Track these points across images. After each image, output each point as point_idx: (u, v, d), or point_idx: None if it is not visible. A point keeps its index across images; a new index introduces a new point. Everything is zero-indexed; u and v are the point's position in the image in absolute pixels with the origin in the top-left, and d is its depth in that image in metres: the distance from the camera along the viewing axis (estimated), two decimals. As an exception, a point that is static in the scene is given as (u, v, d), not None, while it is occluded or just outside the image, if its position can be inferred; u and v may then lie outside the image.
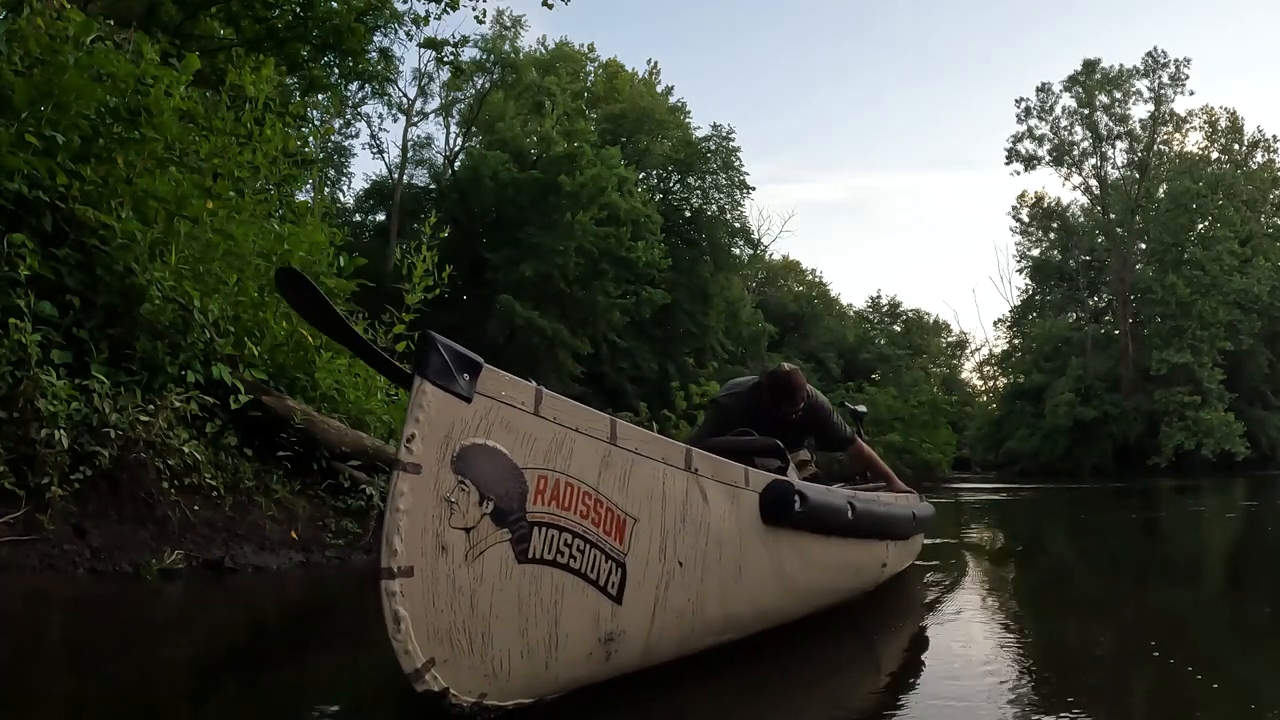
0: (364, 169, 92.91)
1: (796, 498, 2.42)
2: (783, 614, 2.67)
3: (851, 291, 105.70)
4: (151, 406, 3.93)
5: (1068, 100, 39.26)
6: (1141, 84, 38.22)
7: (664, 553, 1.99)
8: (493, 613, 1.60)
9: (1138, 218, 37.90)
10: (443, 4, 12.27)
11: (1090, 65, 38.60)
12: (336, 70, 13.99)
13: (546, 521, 1.71)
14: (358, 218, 32.73)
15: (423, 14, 14.65)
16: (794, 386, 3.62)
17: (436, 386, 1.54)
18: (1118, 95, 38.47)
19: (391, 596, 1.47)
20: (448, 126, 34.68)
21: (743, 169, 35.27)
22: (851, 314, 49.99)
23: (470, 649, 1.57)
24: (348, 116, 31.49)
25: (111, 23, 6.13)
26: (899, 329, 50.99)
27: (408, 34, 19.46)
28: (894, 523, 3.47)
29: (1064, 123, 39.34)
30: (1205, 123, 39.39)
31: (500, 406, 1.64)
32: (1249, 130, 39.46)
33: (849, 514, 2.81)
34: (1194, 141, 39.55)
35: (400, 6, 14.70)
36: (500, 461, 1.63)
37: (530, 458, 1.68)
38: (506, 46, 33.42)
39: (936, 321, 53.06)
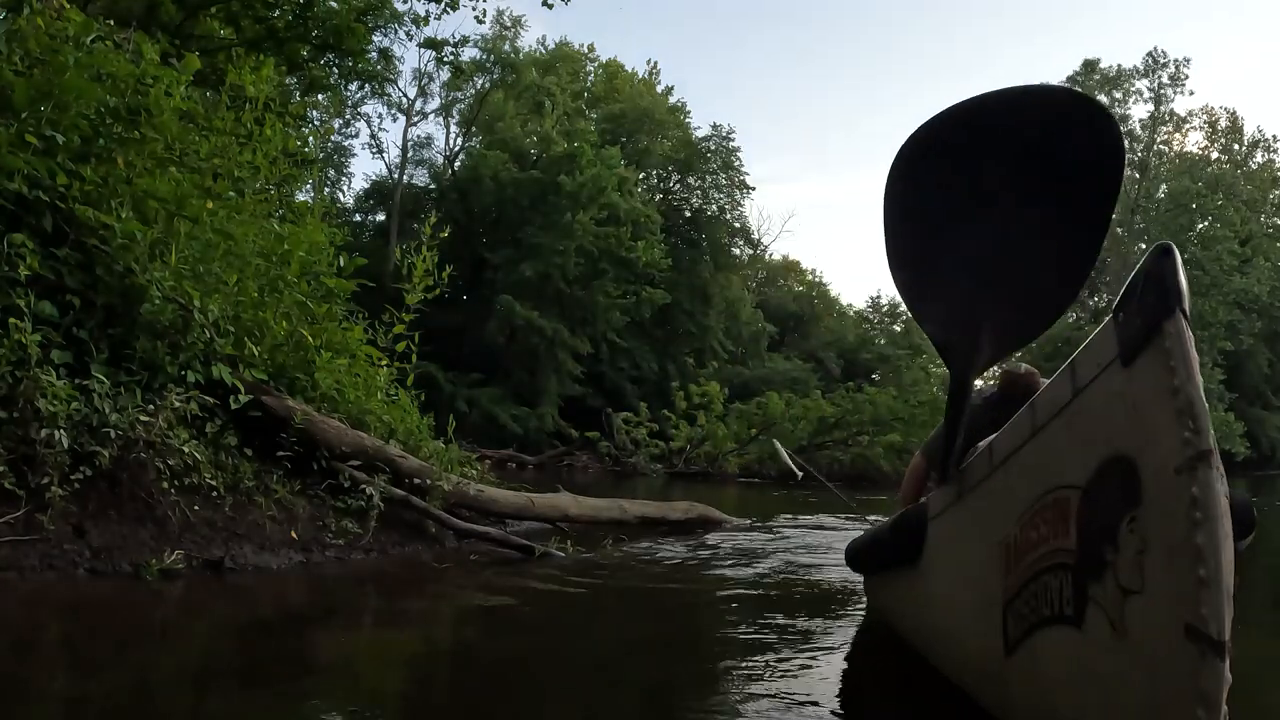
0: (364, 169, 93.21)
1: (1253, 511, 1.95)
2: None
3: (851, 291, 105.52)
4: (151, 406, 3.93)
5: (1067, 100, 39.31)
6: (1141, 84, 38.29)
7: None
8: None
9: (1138, 218, 37.91)
10: (443, 4, 12.29)
11: (1090, 65, 38.63)
12: (336, 70, 13.99)
13: None
14: (358, 218, 32.62)
15: (423, 14, 14.72)
16: (1031, 386, 3.24)
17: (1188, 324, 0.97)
18: (1117, 95, 38.49)
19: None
20: (448, 126, 34.59)
21: (743, 169, 35.16)
22: (851, 314, 49.89)
23: None
24: (348, 116, 31.42)
25: (111, 23, 6.12)
26: (899, 329, 50.92)
27: (408, 34, 19.43)
28: None
29: (1064, 123, 39.39)
30: (1205, 123, 39.47)
31: None
32: (1249, 130, 39.57)
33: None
34: (1194, 141, 39.63)
35: (400, 6, 14.75)
36: None
37: None
38: (506, 46, 33.34)
39: (937, 321, 52.94)
